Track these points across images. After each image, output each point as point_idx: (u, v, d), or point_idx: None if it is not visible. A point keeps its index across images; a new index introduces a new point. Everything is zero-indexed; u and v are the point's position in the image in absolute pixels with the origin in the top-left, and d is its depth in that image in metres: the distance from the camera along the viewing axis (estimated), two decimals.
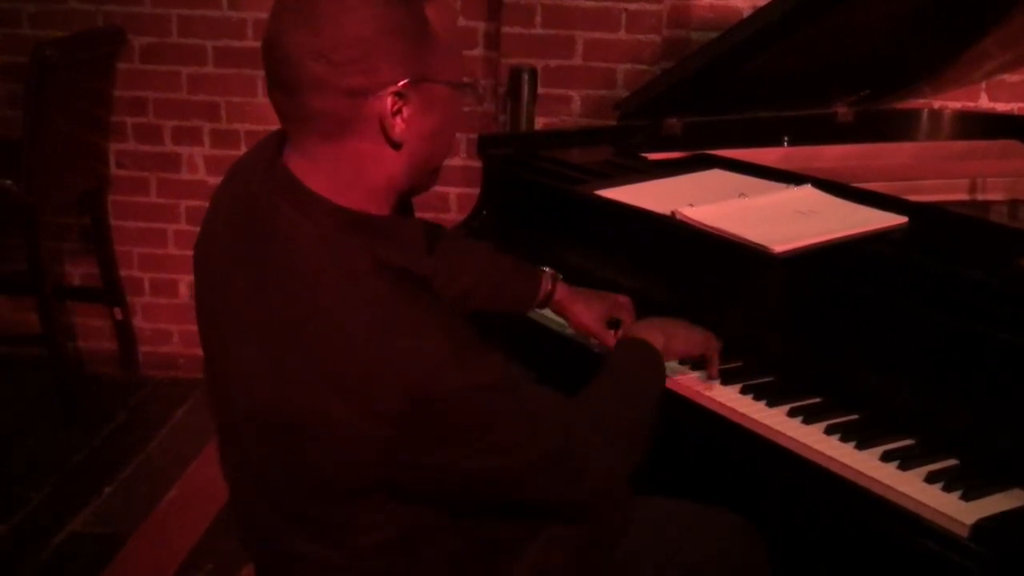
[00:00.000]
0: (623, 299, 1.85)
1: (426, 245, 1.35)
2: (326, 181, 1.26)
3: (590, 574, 1.52)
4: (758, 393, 1.65)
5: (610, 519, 1.53)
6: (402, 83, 1.22)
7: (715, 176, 2.16)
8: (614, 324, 1.82)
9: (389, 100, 1.22)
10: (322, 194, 1.26)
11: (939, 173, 2.37)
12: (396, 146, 1.25)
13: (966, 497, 1.36)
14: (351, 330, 1.19)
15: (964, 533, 1.31)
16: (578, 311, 1.83)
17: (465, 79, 1.32)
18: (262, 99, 3.43)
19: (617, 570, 1.54)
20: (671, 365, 1.65)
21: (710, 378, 1.69)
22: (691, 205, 1.89)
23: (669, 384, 1.68)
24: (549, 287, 1.85)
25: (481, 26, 3.36)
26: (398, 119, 1.23)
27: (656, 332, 1.62)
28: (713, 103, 2.48)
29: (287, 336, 1.22)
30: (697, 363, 1.73)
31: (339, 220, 1.25)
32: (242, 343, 1.28)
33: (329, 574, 1.34)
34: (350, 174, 1.26)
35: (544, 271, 1.86)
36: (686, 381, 1.70)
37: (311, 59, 1.19)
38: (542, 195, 2.21)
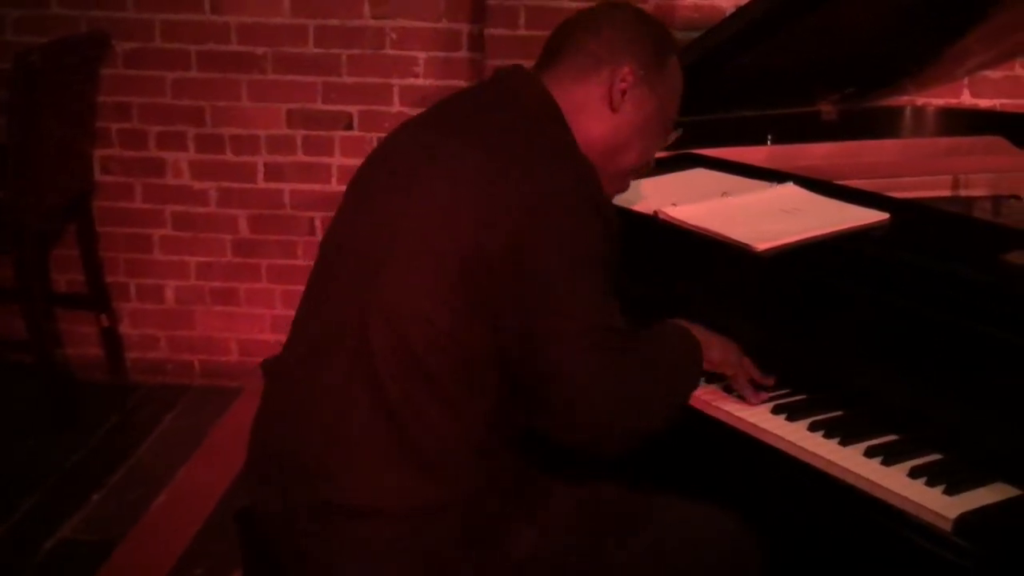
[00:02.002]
0: None
1: None
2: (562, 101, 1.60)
3: (588, 560, 1.53)
4: None
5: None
6: (635, 71, 1.61)
7: (698, 175, 2.17)
8: None
9: (624, 70, 1.60)
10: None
11: (923, 169, 2.38)
12: (613, 107, 1.61)
13: (949, 491, 1.37)
14: (528, 161, 1.48)
15: (947, 527, 1.32)
16: None
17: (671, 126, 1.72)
18: (247, 103, 3.44)
19: (613, 558, 1.55)
20: None
21: (749, 404, 1.63)
22: (674, 204, 1.90)
23: None
24: None
25: (465, 28, 3.37)
26: (619, 93, 1.61)
27: (696, 330, 1.63)
28: (697, 102, 2.47)
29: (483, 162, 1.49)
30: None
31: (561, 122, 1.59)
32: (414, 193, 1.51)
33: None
34: (576, 109, 1.60)
35: None
36: None
37: (605, 22, 1.64)
38: None
